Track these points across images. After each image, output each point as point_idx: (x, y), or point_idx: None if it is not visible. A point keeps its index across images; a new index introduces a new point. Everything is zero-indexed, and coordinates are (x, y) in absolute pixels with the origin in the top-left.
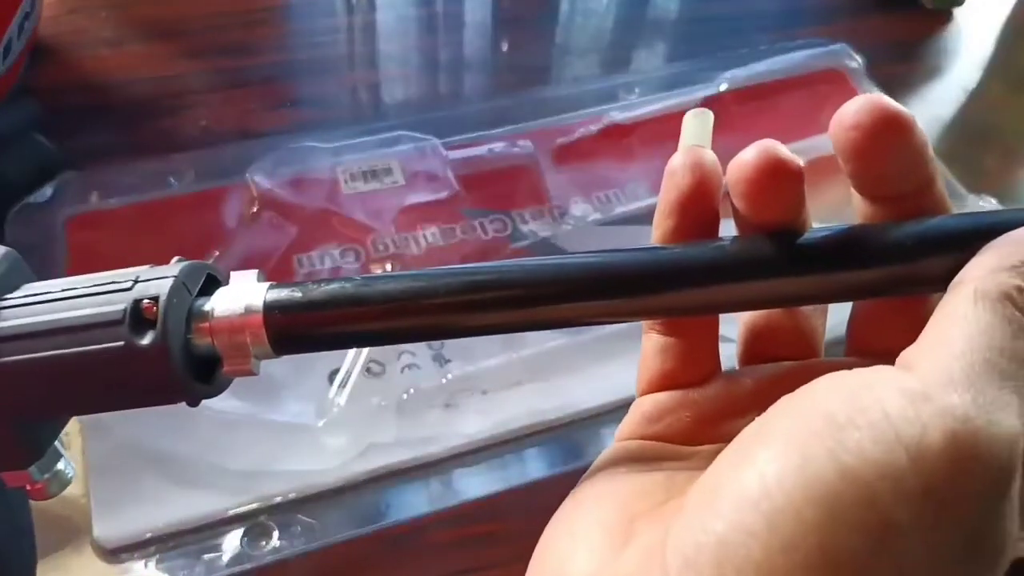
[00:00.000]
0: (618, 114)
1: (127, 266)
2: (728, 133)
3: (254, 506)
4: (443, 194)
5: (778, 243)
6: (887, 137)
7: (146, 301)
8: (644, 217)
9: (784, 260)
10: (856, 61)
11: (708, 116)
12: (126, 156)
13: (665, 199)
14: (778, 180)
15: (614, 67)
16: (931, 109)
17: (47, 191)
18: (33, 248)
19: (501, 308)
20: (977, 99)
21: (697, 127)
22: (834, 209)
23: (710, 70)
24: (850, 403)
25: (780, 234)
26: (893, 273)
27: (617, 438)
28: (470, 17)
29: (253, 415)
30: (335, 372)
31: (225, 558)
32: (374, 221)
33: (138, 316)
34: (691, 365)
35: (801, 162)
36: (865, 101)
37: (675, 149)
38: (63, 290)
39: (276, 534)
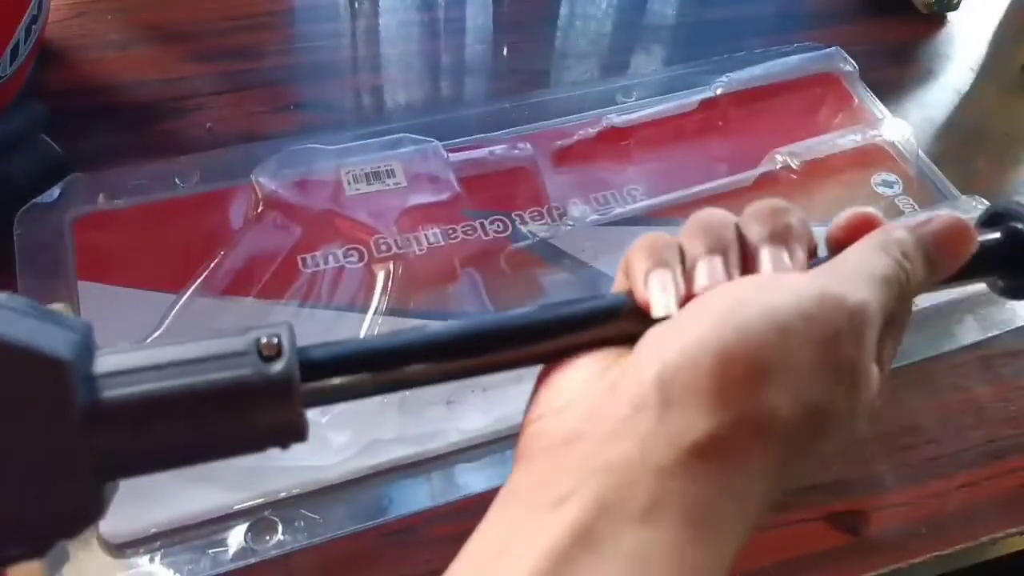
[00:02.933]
0: (616, 117)
1: (135, 267)
2: (724, 136)
3: (258, 501)
4: (444, 195)
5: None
6: None
7: (265, 339)
8: (641, 218)
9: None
10: (850, 65)
11: None
12: (132, 158)
13: None
14: None
15: (612, 71)
16: (924, 112)
17: (54, 192)
18: (41, 248)
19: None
20: (969, 102)
21: None
22: (830, 209)
23: (706, 74)
24: (757, 280)
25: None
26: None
27: None
28: (471, 22)
29: None
30: None
31: (230, 553)
32: (377, 222)
33: (261, 352)
34: None
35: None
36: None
37: (672, 152)
38: (168, 344)
39: (280, 529)
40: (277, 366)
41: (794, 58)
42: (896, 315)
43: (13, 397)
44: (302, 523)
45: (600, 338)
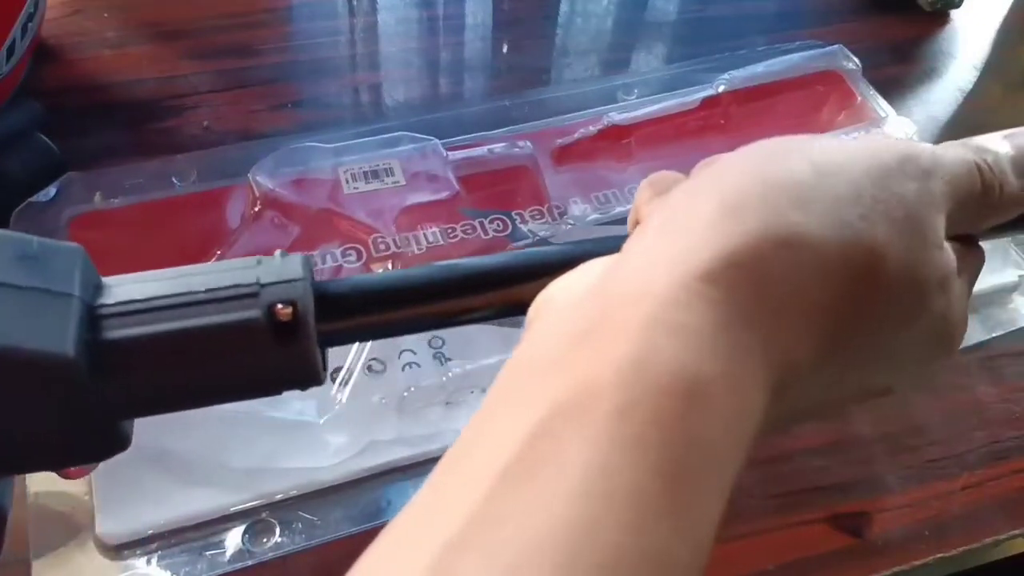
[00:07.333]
0: (617, 115)
1: (131, 267)
2: (726, 134)
3: (256, 503)
4: (443, 194)
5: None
6: None
7: (280, 306)
8: None
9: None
10: (853, 62)
11: None
12: (129, 156)
13: None
14: None
15: (613, 68)
16: (927, 110)
17: (50, 191)
18: None
19: None
20: (973, 100)
21: None
22: None
23: (708, 71)
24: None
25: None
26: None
27: None
28: (470, 19)
29: (255, 412)
30: (337, 370)
31: (227, 555)
32: (375, 221)
33: (274, 321)
34: None
35: None
36: None
37: (673, 150)
38: (176, 278)
39: (278, 531)
40: (290, 307)
41: (796, 56)
42: (974, 222)
43: (18, 384)
44: (300, 525)
45: None
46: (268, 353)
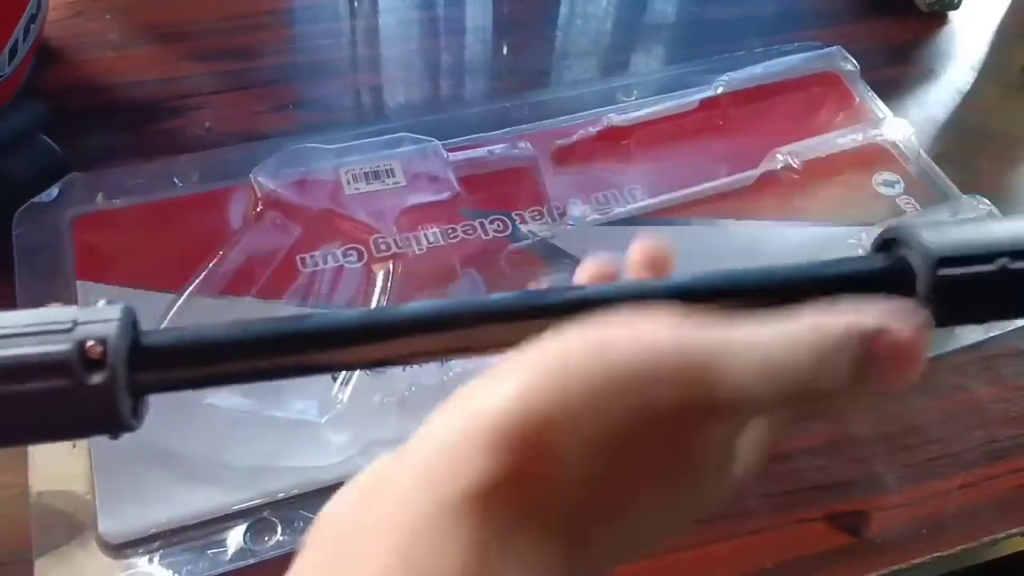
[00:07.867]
0: (616, 116)
1: (133, 267)
2: (725, 135)
3: (257, 502)
4: (444, 195)
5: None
6: None
7: (91, 342)
8: (641, 218)
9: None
10: (851, 64)
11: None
12: (131, 157)
13: None
14: None
15: (612, 70)
16: (925, 111)
17: (53, 191)
18: (40, 248)
19: None
20: (971, 101)
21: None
22: (831, 209)
23: (707, 73)
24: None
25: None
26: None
27: None
28: (471, 21)
29: (257, 412)
30: None
31: (229, 553)
32: (376, 221)
33: (84, 358)
34: None
35: None
36: None
37: (672, 151)
38: None
39: (279, 529)
40: (101, 344)
41: (795, 57)
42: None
43: None
44: (301, 524)
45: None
46: (77, 391)
